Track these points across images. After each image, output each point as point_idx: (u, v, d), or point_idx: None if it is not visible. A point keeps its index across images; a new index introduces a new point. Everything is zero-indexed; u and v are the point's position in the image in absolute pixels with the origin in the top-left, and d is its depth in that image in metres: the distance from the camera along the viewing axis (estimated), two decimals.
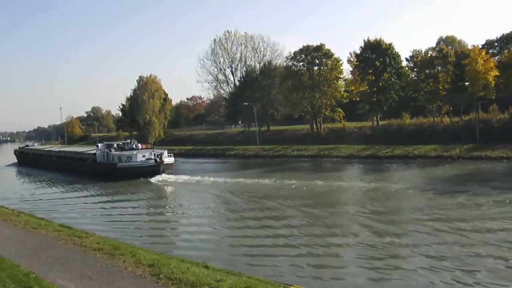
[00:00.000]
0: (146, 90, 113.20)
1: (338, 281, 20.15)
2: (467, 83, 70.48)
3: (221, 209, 39.40)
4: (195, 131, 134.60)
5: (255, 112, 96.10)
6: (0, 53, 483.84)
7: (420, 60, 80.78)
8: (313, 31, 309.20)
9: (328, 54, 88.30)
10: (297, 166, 68.31)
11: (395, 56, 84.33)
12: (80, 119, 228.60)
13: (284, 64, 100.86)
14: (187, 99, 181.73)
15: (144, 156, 66.33)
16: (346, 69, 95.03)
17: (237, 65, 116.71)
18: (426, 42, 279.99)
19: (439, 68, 77.70)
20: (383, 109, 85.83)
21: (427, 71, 78.39)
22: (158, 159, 65.00)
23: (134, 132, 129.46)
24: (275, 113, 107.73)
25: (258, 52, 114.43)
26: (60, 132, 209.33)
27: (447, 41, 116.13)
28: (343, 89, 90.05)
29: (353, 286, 19.47)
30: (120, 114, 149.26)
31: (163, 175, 64.03)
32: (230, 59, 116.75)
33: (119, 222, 36.81)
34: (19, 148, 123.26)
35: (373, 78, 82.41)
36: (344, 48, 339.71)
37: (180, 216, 38.68)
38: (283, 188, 47.50)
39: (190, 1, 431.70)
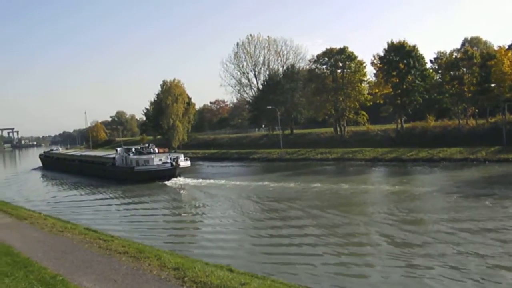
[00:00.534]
0: (169, 94, 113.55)
1: (362, 285, 20.00)
2: (493, 85, 69.60)
3: (244, 213, 39.33)
4: (219, 134, 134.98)
5: (279, 116, 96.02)
6: (20, 57, 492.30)
7: (444, 62, 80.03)
8: (336, 34, 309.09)
9: (351, 57, 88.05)
10: (321, 170, 68.05)
11: (419, 58, 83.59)
12: (105, 123, 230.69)
13: (307, 67, 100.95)
14: (210, 103, 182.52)
15: (160, 160, 67.36)
16: (370, 72, 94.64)
17: (260, 68, 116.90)
18: (450, 43, 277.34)
19: (464, 69, 76.85)
20: (407, 112, 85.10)
21: (452, 73, 77.61)
22: (174, 163, 65.86)
23: (158, 136, 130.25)
24: (298, 117, 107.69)
25: (281, 56, 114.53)
26: (85, 137, 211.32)
27: (472, 42, 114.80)
28: (367, 91, 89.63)
29: None
30: (144, 118, 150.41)
31: (181, 178, 65.20)
32: (253, 63, 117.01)
33: (142, 225, 37.03)
34: (44, 152, 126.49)
35: (397, 80, 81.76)
36: (368, 50, 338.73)
37: (203, 219, 38.78)
38: (307, 192, 47.37)
39: (214, 5, 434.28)
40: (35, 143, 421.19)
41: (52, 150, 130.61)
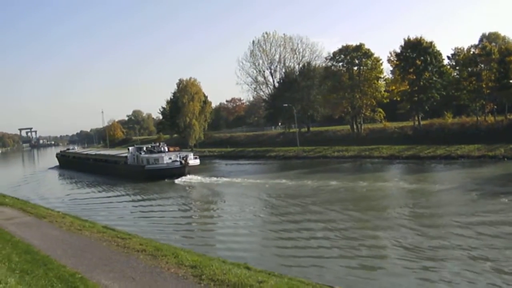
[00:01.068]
0: (186, 93, 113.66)
1: (380, 283, 19.92)
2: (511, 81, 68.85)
3: (260, 211, 39.43)
4: (235, 133, 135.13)
5: (295, 113, 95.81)
6: (35, 57, 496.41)
7: (462, 58, 79.29)
8: (352, 32, 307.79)
9: (367, 54, 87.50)
10: (338, 167, 67.86)
11: (436, 55, 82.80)
12: (122, 122, 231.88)
13: (324, 64, 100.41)
14: (226, 101, 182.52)
15: (170, 158, 68.91)
16: (386, 69, 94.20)
17: (276, 66, 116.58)
18: (468, 39, 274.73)
19: (482, 65, 76.08)
20: (424, 109, 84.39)
21: (469, 69, 76.91)
22: (183, 161, 67.40)
23: (175, 135, 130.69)
24: (315, 114, 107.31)
25: (297, 53, 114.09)
26: (102, 136, 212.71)
27: (490, 37, 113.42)
28: (384, 89, 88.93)
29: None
30: (161, 117, 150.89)
31: (198, 177, 65.95)
32: (269, 61, 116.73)
33: (157, 223, 37.44)
34: (61, 151, 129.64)
35: (414, 77, 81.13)
36: (384, 47, 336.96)
37: (219, 217, 38.99)
38: (324, 190, 47.30)
39: (230, 5, 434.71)
40: (53, 142, 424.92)
41: (68, 149, 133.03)
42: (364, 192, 44.61)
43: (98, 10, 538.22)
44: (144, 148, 77.31)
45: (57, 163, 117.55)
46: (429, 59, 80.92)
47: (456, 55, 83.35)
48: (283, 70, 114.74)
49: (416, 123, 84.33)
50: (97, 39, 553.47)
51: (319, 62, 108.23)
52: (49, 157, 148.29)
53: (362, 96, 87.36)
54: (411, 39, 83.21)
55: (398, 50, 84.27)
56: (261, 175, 64.14)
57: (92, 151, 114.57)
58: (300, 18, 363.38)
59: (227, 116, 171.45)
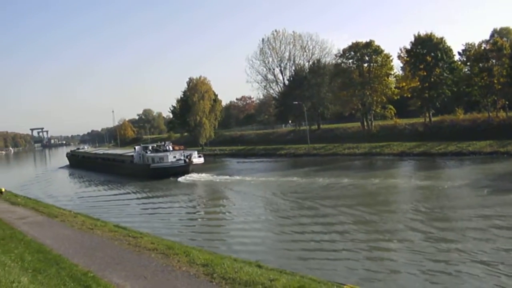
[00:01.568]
0: (196, 91, 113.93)
1: (391, 281, 19.82)
2: None
3: (271, 208, 39.35)
4: (246, 131, 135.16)
5: (305, 111, 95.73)
6: (46, 54, 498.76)
7: (473, 54, 78.90)
8: (362, 29, 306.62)
9: (377, 51, 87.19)
10: (348, 165, 67.78)
11: (447, 50, 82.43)
12: (132, 121, 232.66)
13: (333, 61, 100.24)
14: (236, 99, 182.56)
15: (175, 157, 69.92)
16: (397, 65, 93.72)
17: (286, 64, 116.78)
18: (479, 34, 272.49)
19: (494, 61, 75.60)
20: (435, 105, 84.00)
21: (480, 64, 76.41)
22: (187, 160, 68.38)
23: (185, 134, 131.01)
24: (325, 112, 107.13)
25: (307, 51, 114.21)
26: (113, 135, 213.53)
27: (502, 33, 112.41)
28: (394, 85, 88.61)
29: (406, 286, 19.15)
30: (171, 115, 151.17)
31: (200, 174, 67.16)
32: (279, 58, 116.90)
33: (167, 221, 37.45)
34: (70, 151, 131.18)
35: (425, 73, 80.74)
36: (394, 44, 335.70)
37: (230, 215, 38.78)
38: (335, 187, 47.13)
39: (239, 2, 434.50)
40: (64, 142, 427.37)
41: (78, 149, 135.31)
42: (376, 189, 44.44)
43: (106, 8, 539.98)
44: (150, 147, 78.68)
45: (67, 163, 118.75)
46: (439, 55, 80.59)
47: (467, 50, 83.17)
48: (293, 68, 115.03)
49: (427, 119, 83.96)
50: (105, 37, 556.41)
51: (329, 59, 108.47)
52: (60, 157, 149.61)
53: (372, 93, 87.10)
54: (421, 35, 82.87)
55: (408, 47, 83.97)
56: (272, 173, 64.19)
57: (100, 150, 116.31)
58: (309, 16, 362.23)
59: (237, 114, 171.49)
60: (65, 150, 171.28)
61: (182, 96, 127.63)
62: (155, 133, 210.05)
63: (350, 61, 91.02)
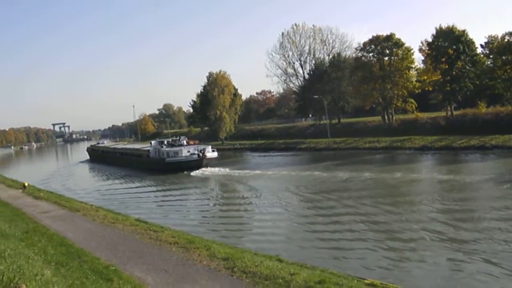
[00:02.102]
0: (216, 86, 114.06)
1: (413, 276, 19.66)
2: None
3: (292, 202, 39.25)
4: (266, 125, 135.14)
5: (325, 105, 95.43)
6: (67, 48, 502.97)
7: (496, 46, 77.76)
8: (382, 22, 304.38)
9: (398, 44, 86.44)
10: (369, 159, 67.42)
11: (469, 43, 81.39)
12: (153, 116, 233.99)
13: (354, 55, 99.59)
14: (256, 93, 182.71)
15: (189, 151, 71.37)
16: (418, 59, 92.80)
17: (306, 58, 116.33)
18: (503, 26, 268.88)
19: None
20: (457, 99, 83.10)
21: (504, 57, 75.27)
22: (201, 154, 69.73)
23: (206, 128, 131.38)
24: (345, 105, 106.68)
25: (327, 44, 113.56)
26: (134, 130, 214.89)
27: None
28: (415, 79, 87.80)
29: (428, 281, 18.99)
30: (191, 110, 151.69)
31: (213, 168, 68.18)
32: (299, 52, 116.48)
33: (187, 215, 37.73)
34: (91, 146, 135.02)
35: (446, 66, 79.89)
36: (415, 36, 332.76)
37: (251, 209, 38.82)
38: (356, 181, 46.89)
39: None
40: (85, 137, 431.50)
41: (98, 143, 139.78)
42: (397, 183, 44.11)
43: (127, 3, 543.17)
44: (165, 142, 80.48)
45: (88, 157, 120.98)
46: (461, 47, 79.61)
47: (490, 43, 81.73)
48: (313, 62, 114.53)
49: (449, 113, 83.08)
50: (125, 33, 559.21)
51: (349, 53, 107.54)
52: (81, 151, 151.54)
53: (393, 86, 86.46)
54: (443, 27, 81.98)
55: (430, 39, 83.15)
56: (292, 167, 64.22)
57: (119, 145, 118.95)
58: (328, 10, 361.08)
59: (258, 108, 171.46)
60: (86, 144, 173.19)
61: (202, 90, 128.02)
62: (176, 128, 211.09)
63: (371, 54, 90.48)
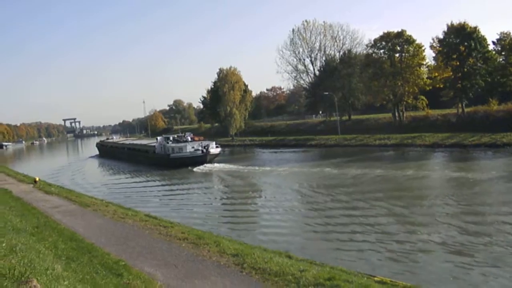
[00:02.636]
0: (226, 82, 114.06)
1: (423, 274, 19.57)
2: None
3: (301, 199, 39.25)
4: (276, 121, 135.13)
5: (336, 102, 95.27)
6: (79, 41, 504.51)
7: (508, 43, 77.29)
8: (393, 19, 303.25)
9: (409, 40, 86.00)
10: (380, 156, 67.20)
11: (481, 40, 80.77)
12: (163, 112, 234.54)
13: (364, 52, 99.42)
14: (267, 90, 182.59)
15: (193, 147, 72.41)
16: (429, 55, 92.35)
17: (317, 54, 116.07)
18: None
19: None
20: (468, 96, 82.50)
21: None
22: (204, 150, 70.80)
23: (216, 124, 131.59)
24: (356, 102, 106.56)
25: (338, 41, 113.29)
26: (144, 125, 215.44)
27: None
28: (426, 75, 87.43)
29: (438, 279, 18.92)
30: (201, 106, 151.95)
31: (226, 165, 68.94)
32: (309, 49, 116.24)
33: (195, 211, 37.58)
34: (100, 141, 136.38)
35: (458, 63, 79.48)
36: (424, 33, 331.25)
37: (260, 205, 38.77)
38: (367, 178, 46.78)
39: None
40: (95, 132, 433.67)
41: (107, 139, 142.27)
42: (408, 180, 43.95)
43: None
44: (171, 138, 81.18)
45: (97, 152, 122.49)
46: (473, 44, 78.99)
47: (502, 40, 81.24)
48: (324, 58, 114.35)
49: (460, 110, 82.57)
50: (135, 28, 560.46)
51: (359, 49, 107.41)
52: (91, 147, 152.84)
53: (404, 83, 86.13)
54: (454, 24, 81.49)
55: (441, 36, 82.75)
56: (303, 164, 64.23)
57: (128, 141, 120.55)
58: (339, 6, 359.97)
59: (268, 105, 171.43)
60: (97, 140, 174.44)
61: (212, 86, 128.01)
62: (186, 124, 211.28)
63: (381, 51, 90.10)
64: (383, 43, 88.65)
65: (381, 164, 55.51)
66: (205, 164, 68.71)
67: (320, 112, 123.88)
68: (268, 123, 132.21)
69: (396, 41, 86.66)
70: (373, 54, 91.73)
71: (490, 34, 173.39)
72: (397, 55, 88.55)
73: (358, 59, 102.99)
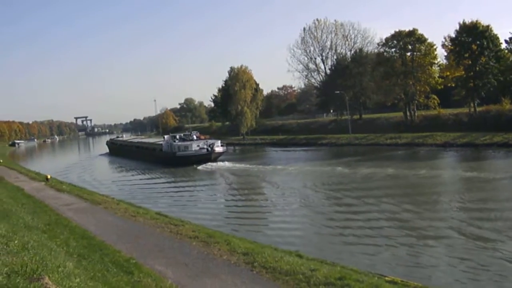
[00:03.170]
0: (237, 80, 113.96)
1: (433, 274, 19.44)
2: None
3: (312, 198, 39.02)
4: (287, 120, 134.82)
5: (347, 100, 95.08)
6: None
7: None
8: (404, 18, 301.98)
9: (421, 39, 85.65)
10: (391, 155, 66.88)
11: (493, 39, 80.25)
12: (174, 110, 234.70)
13: (376, 50, 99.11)
14: (278, 88, 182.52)
15: (198, 146, 73.40)
16: (441, 54, 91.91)
17: (328, 53, 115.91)
18: None
19: None
20: (480, 95, 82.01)
21: None
22: (209, 148, 72.09)
23: (227, 123, 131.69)
24: (367, 101, 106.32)
25: (349, 40, 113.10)
26: (155, 124, 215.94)
27: None
28: (438, 74, 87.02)
29: (447, 279, 18.80)
30: (213, 105, 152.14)
31: (236, 163, 69.01)
32: (320, 48, 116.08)
33: (204, 209, 37.26)
34: (110, 139, 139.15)
35: (470, 62, 78.97)
36: (436, 32, 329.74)
37: (270, 204, 38.39)
38: (377, 177, 46.57)
39: None
40: (107, 130, 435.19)
41: (117, 137, 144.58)
42: (420, 180, 43.62)
43: None
44: (177, 136, 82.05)
45: (107, 150, 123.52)
46: (485, 43, 78.52)
47: None
48: (335, 57, 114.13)
49: (472, 109, 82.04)
50: (144, 26, 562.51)
51: (371, 48, 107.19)
52: (102, 145, 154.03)
53: (415, 82, 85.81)
54: (467, 23, 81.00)
55: (453, 35, 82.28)
56: (314, 162, 64.10)
57: (136, 139, 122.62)
58: (350, 5, 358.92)
59: (279, 103, 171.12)
60: (108, 138, 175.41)
61: (223, 85, 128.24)
62: (197, 122, 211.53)
63: (393, 50, 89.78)
64: (395, 41, 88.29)
65: (393, 164, 55.25)
66: (210, 163, 69.02)
67: (331, 111, 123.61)
68: (279, 122, 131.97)
69: (408, 40, 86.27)
70: (385, 53, 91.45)
71: (503, 33, 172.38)
72: (408, 54, 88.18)
73: (369, 58, 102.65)
